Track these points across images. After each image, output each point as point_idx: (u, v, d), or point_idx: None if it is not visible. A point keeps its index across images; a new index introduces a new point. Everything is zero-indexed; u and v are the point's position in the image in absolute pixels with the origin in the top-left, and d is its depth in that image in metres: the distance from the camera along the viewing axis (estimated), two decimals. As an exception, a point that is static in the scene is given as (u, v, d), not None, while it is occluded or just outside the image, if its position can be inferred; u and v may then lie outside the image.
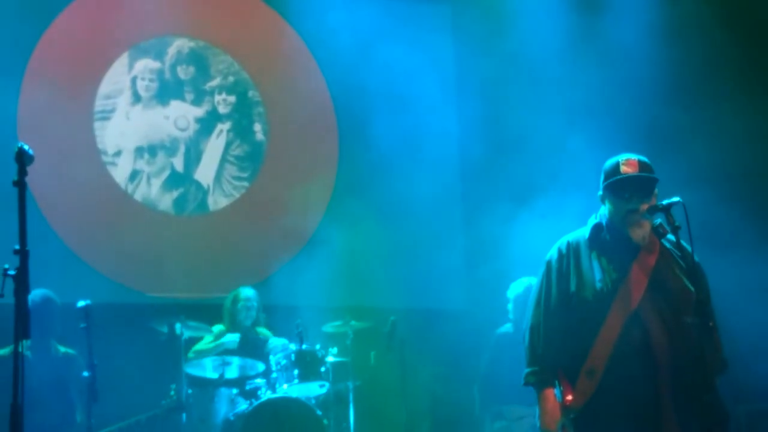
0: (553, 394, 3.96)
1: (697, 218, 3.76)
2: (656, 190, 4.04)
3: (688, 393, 3.74)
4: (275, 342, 7.55)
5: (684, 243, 3.92)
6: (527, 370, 4.06)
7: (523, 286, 7.49)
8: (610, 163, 4.09)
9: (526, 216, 7.53)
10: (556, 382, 3.99)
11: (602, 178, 4.10)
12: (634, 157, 4.05)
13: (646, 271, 3.93)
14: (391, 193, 8.74)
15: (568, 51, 8.56)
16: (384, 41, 8.65)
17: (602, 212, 4.13)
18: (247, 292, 7.64)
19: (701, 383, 3.69)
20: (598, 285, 3.93)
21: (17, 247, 3.42)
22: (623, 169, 3.99)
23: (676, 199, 3.82)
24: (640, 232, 3.96)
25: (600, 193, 4.12)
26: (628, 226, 3.96)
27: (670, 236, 3.98)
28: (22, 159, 3.52)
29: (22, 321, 3.36)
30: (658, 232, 3.99)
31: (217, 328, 7.54)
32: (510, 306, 7.57)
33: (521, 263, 7.06)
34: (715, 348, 3.69)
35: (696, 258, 3.87)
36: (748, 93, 8.22)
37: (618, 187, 3.98)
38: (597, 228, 4.10)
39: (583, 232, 4.15)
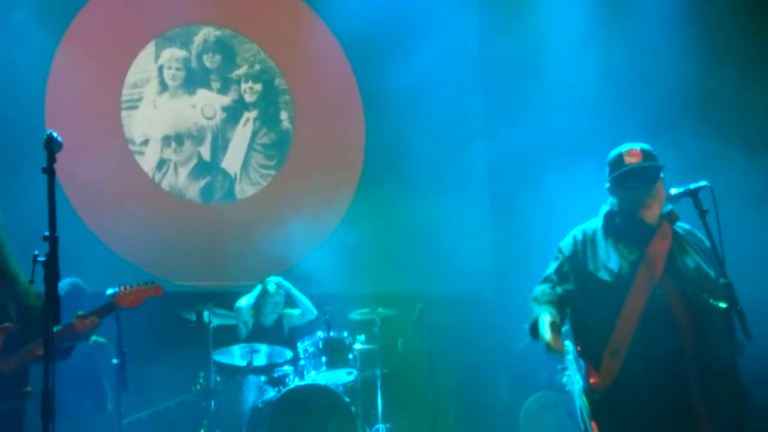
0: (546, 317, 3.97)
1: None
2: (662, 175, 4.07)
3: (712, 371, 3.75)
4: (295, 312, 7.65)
5: (708, 228, 3.89)
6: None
7: None
8: (613, 155, 4.15)
9: (555, 205, 7.47)
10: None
11: (607, 171, 4.15)
12: (637, 146, 4.10)
13: (662, 254, 3.98)
14: (419, 179, 8.73)
15: (591, 27, 8.48)
16: (410, 27, 8.62)
17: (611, 201, 4.18)
18: (274, 287, 7.58)
19: (726, 363, 3.69)
20: (617, 266, 3.97)
21: (47, 233, 3.43)
22: (627, 159, 4.05)
23: (703, 183, 3.84)
24: (651, 213, 4.03)
25: (607, 185, 4.17)
26: (639, 209, 4.03)
27: (681, 223, 4.08)
28: (51, 146, 3.53)
29: (52, 306, 3.37)
30: (669, 218, 4.06)
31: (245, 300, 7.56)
32: None
33: (548, 252, 7.00)
34: (745, 332, 3.66)
35: (717, 243, 3.83)
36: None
37: (624, 178, 4.03)
38: (610, 215, 4.16)
39: (596, 222, 4.21)
